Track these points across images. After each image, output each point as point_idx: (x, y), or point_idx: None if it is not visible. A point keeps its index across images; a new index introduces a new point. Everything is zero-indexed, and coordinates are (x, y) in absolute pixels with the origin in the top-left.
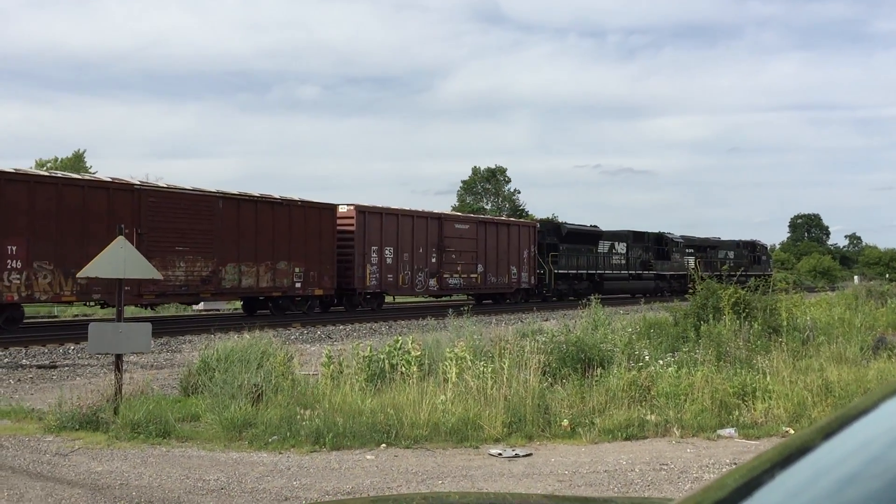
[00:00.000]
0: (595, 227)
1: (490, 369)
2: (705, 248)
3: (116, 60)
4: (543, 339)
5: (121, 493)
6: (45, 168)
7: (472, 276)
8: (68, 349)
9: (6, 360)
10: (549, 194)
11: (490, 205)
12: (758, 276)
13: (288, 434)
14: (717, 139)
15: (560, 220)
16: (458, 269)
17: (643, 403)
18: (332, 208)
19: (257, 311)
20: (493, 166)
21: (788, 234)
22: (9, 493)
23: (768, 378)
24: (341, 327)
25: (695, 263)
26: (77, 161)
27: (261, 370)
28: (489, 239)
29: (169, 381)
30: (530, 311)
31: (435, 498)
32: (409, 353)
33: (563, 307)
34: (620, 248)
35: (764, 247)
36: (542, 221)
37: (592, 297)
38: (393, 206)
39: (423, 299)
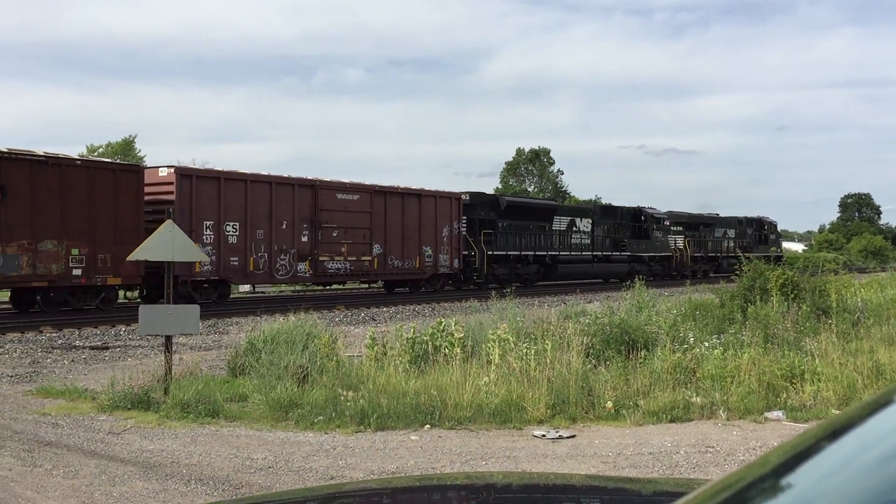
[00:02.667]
0: (553, 199)
1: (533, 351)
2: (697, 226)
3: (164, 46)
4: (587, 320)
5: (172, 471)
6: (96, 153)
7: (363, 258)
8: (119, 331)
9: (60, 341)
10: (592, 176)
11: (533, 187)
12: (764, 258)
13: (333, 414)
14: (765, 117)
15: (500, 193)
16: (343, 250)
17: (688, 386)
18: (136, 170)
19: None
20: (538, 147)
21: (839, 214)
22: (64, 471)
23: (817, 360)
24: (385, 309)
25: (683, 243)
26: (127, 146)
27: (306, 351)
28: (391, 213)
29: (217, 363)
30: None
31: (479, 477)
32: (453, 334)
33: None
34: (583, 225)
35: (772, 224)
36: (471, 193)
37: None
38: (240, 170)
39: (299, 288)
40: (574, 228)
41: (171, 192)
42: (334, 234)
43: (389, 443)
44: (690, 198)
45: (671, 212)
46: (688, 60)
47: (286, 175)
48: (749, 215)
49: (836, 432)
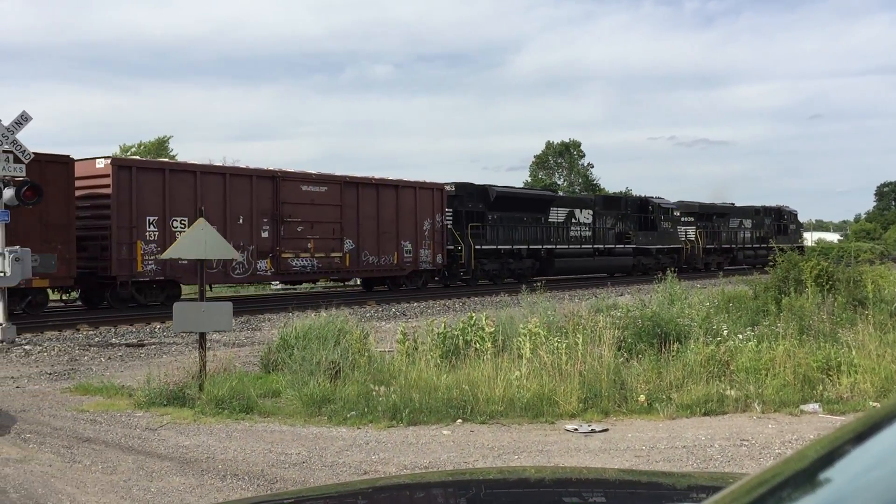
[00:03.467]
0: (551, 190)
1: (564, 345)
2: (710, 217)
3: (194, 45)
4: (618, 314)
5: (207, 467)
6: (128, 153)
7: (333, 255)
8: (154, 328)
9: (97, 339)
10: (622, 168)
11: (563, 180)
12: (783, 250)
13: (365, 410)
14: (798, 106)
15: (489, 183)
16: (310, 245)
17: (722, 378)
18: (64, 161)
19: None
20: (567, 140)
21: (875, 203)
22: (103, 466)
23: (854, 352)
24: (415, 304)
25: (695, 234)
26: (161, 146)
27: (338, 347)
28: (364, 206)
29: (250, 359)
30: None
31: (511, 472)
32: (483, 329)
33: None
34: (584, 216)
35: (792, 213)
36: (457, 184)
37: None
38: (189, 161)
39: (265, 291)
40: (573, 220)
41: (109, 186)
42: (299, 229)
43: (422, 437)
44: (721, 188)
45: (682, 202)
46: (719, 50)
47: (243, 166)
48: (768, 204)
49: (875, 426)
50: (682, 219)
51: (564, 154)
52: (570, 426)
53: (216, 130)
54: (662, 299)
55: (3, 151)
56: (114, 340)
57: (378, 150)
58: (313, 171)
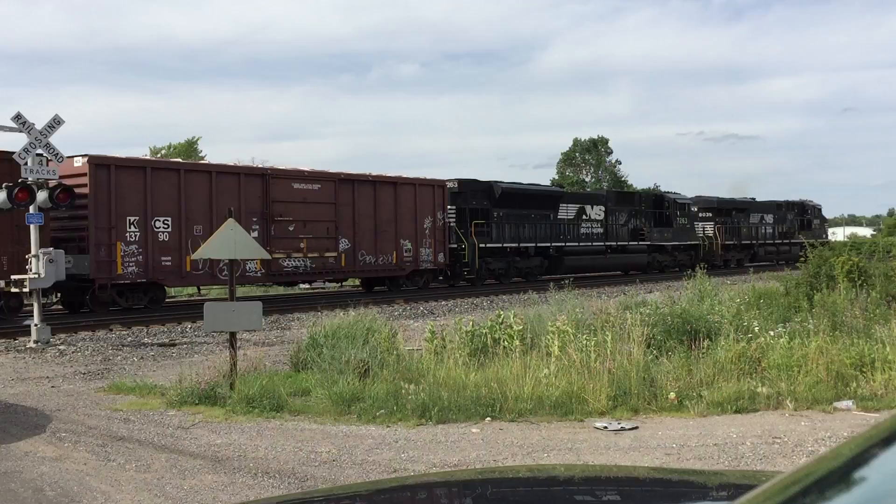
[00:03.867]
0: (559, 186)
1: (593, 342)
2: (729, 212)
3: (223, 48)
4: (647, 311)
5: (239, 465)
6: (158, 155)
7: (327, 255)
8: (185, 328)
9: (129, 339)
10: (650, 164)
11: (590, 177)
12: (814, 245)
13: (395, 408)
14: (830, 99)
15: (495, 179)
16: (302, 245)
17: (753, 376)
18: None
19: None
20: (595, 137)
21: None
22: (137, 465)
23: (888, 348)
24: (443, 303)
25: (714, 230)
26: (190, 147)
27: (366, 346)
28: (361, 204)
29: (280, 358)
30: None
31: (541, 470)
32: (512, 327)
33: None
34: (595, 213)
35: (816, 208)
36: (460, 180)
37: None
38: (172, 159)
39: (254, 291)
40: (584, 217)
41: (86, 185)
42: (290, 229)
43: (451, 436)
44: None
45: (700, 197)
46: (748, 44)
47: (231, 163)
48: (791, 199)
49: None
50: (700, 214)
51: (592, 151)
52: (599, 424)
53: (246, 131)
54: (692, 296)
55: (37, 155)
56: (146, 340)
57: (406, 149)
58: (306, 168)
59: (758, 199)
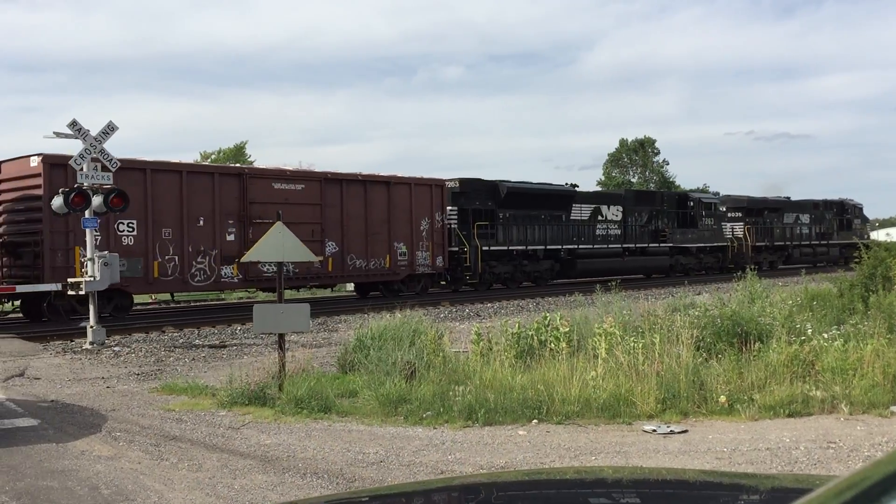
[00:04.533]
0: (574, 185)
1: (641, 344)
2: (761, 212)
3: (271, 53)
4: (696, 313)
5: (288, 465)
6: (209, 160)
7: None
8: (235, 329)
9: (181, 340)
10: (698, 164)
11: (637, 177)
12: (846, 247)
13: (441, 410)
14: (886, 96)
15: (500, 179)
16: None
17: (806, 379)
18: None
19: None
20: (642, 137)
21: None
22: (189, 464)
23: None
24: (489, 305)
25: (743, 231)
26: (238, 152)
27: (413, 348)
28: (350, 204)
29: (327, 359)
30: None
31: (589, 472)
32: (558, 329)
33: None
34: (612, 213)
35: (857, 208)
36: (462, 179)
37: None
38: (136, 157)
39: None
40: (599, 217)
41: (40, 187)
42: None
43: (497, 437)
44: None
45: (728, 196)
46: (800, 40)
47: (206, 162)
48: (829, 198)
49: None
50: (729, 215)
51: (639, 151)
52: (648, 427)
53: (293, 135)
54: (742, 297)
55: (92, 160)
56: (197, 342)
57: (451, 151)
58: (289, 168)
59: (794, 199)
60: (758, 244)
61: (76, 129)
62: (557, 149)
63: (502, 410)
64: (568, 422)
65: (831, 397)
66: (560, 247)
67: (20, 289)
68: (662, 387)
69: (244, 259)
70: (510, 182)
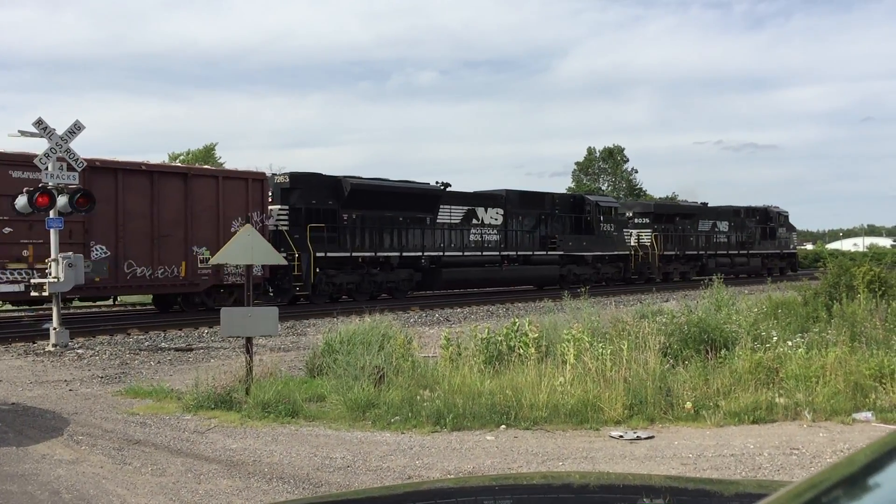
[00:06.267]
0: (445, 184)
1: (609, 351)
2: (672, 218)
3: (245, 55)
4: (663, 319)
5: (254, 469)
6: (177, 161)
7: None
8: (202, 333)
9: (147, 343)
10: (667, 173)
11: (607, 185)
12: (769, 257)
13: (409, 415)
14: (851, 109)
15: (345, 174)
16: (25, 253)
17: (771, 386)
18: None
19: None
20: (612, 146)
21: None
22: (153, 468)
23: None
24: (459, 310)
25: (651, 239)
26: (207, 153)
27: (382, 352)
28: (129, 200)
29: (295, 363)
30: None
31: (556, 477)
32: (527, 334)
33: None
34: (490, 216)
35: (782, 215)
36: (293, 174)
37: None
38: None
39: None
40: (474, 221)
41: None
42: (6, 231)
43: (465, 443)
44: (769, 193)
45: (634, 200)
46: (769, 52)
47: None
48: (752, 204)
49: None
50: (636, 220)
51: (608, 159)
52: (615, 433)
53: (266, 138)
54: (709, 305)
55: (57, 159)
56: (163, 345)
57: (424, 157)
58: (35, 152)
59: (712, 205)
60: (667, 253)
61: (42, 128)
62: (530, 155)
63: (470, 416)
64: (536, 427)
65: (795, 404)
66: (420, 254)
67: None
68: (630, 393)
69: (212, 262)
70: (356, 178)
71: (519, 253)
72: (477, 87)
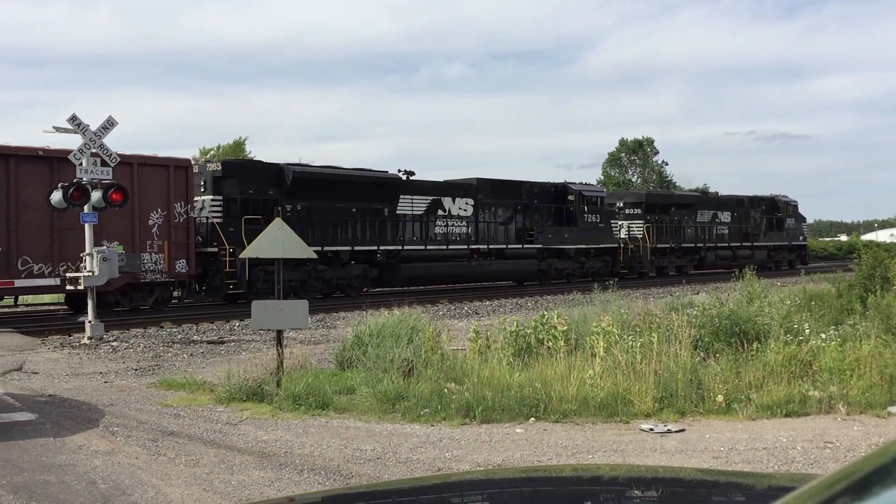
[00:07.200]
0: (409, 172)
1: (639, 343)
2: (666, 208)
3: (274, 50)
4: (694, 312)
5: (285, 461)
6: (207, 156)
7: None
8: (234, 326)
9: (179, 336)
10: (698, 164)
11: (636, 177)
12: (776, 249)
13: (439, 407)
14: (886, 97)
15: (289, 162)
16: None
17: (804, 379)
18: None
19: None
20: (641, 137)
21: None
22: (186, 459)
23: None
24: (487, 303)
25: (643, 231)
26: (237, 148)
27: (411, 345)
28: (22, 190)
29: (325, 356)
30: None
31: (586, 469)
32: (556, 327)
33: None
34: (459, 207)
35: (790, 205)
36: (228, 161)
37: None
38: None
39: None
40: (440, 212)
41: None
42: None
43: (495, 435)
44: (803, 184)
45: (624, 189)
46: (802, 41)
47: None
48: (759, 194)
49: None
50: (627, 211)
51: (638, 151)
52: (645, 426)
53: (294, 132)
54: (740, 297)
55: (91, 155)
56: (196, 337)
57: (452, 149)
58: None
59: (720, 194)
60: (661, 245)
61: (76, 124)
62: (558, 147)
63: (500, 408)
64: (565, 420)
65: (829, 397)
66: (376, 247)
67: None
68: (660, 386)
69: (242, 255)
70: (300, 165)
71: (491, 246)
72: (505, 79)
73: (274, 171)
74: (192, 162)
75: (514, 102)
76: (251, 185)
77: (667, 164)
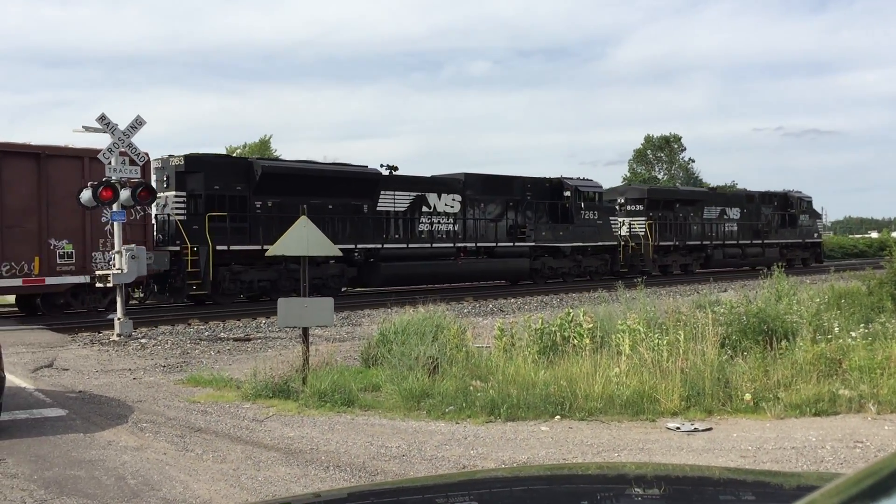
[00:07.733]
0: (392, 167)
1: (665, 341)
2: (670, 204)
3: (300, 48)
4: (721, 310)
5: (311, 458)
6: (235, 154)
7: None
8: (260, 323)
9: (206, 333)
10: (725, 160)
11: (663, 174)
12: (788, 247)
13: (464, 405)
14: None
15: (259, 156)
16: None
17: (833, 378)
18: None
19: None
20: (668, 134)
21: None
22: (213, 455)
23: None
24: (512, 300)
25: (646, 228)
26: (263, 146)
27: (436, 343)
28: None
29: (351, 353)
30: None
31: (612, 468)
32: (581, 325)
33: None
34: (445, 204)
35: (805, 201)
36: (191, 156)
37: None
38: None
39: None
40: (424, 209)
41: None
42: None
43: (520, 433)
44: (832, 180)
45: (625, 185)
46: (832, 35)
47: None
48: (772, 189)
49: None
50: (628, 207)
51: (664, 148)
52: (671, 424)
53: (320, 130)
54: (768, 295)
55: (120, 154)
56: (222, 335)
57: (478, 146)
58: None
59: (736, 187)
60: (664, 243)
61: (104, 124)
62: (583, 144)
63: (525, 406)
64: (591, 418)
65: (858, 396)
66: (353, 246)
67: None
68: (687, 384)
69: (269, 253)
70: (270, 160)
71: (479, 244)
72: (530, 75)
73: (242, 166)
74: (149, 157)
75: (539, 99)
76: (217, 181)
77: (693, 161)
